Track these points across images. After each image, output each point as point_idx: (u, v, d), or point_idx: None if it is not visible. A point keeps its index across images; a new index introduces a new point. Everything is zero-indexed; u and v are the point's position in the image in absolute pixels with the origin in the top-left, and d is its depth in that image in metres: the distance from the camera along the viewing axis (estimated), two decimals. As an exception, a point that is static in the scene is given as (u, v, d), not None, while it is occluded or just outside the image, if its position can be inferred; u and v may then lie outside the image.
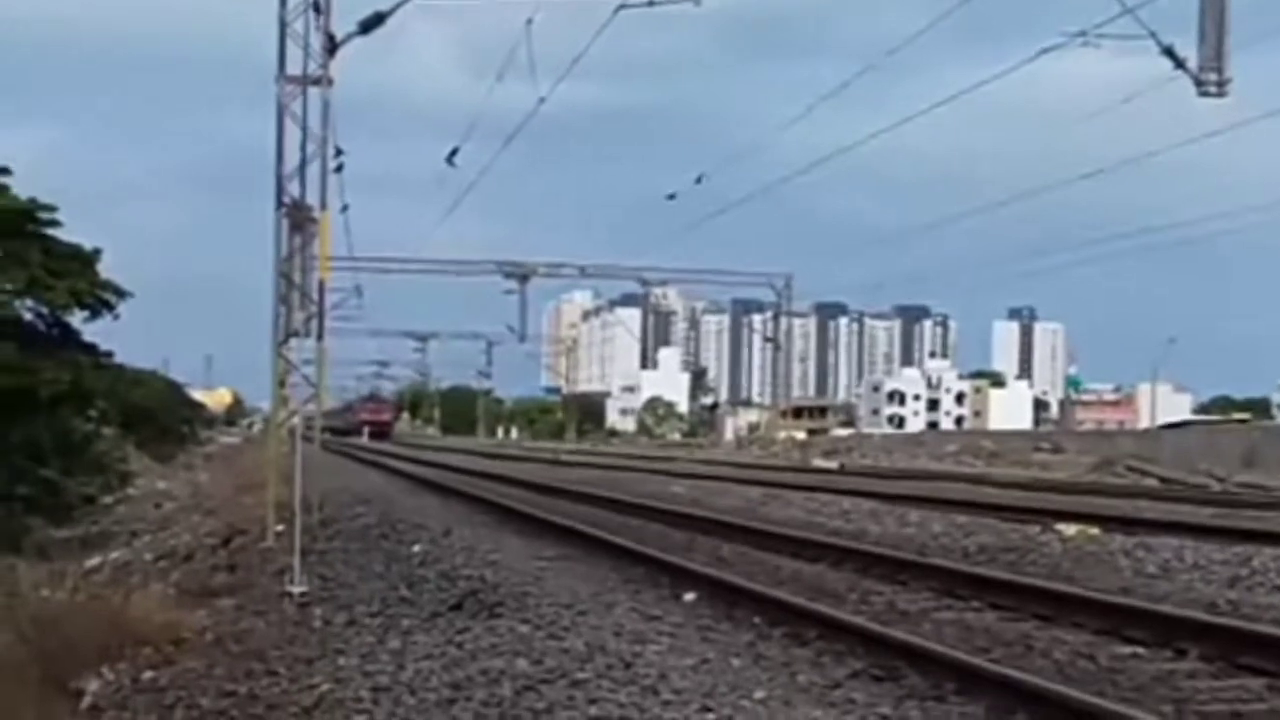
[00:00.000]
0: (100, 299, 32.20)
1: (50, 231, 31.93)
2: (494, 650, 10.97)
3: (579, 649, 10.74)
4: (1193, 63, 24.44)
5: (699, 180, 50.00)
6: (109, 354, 35.77)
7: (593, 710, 8.79)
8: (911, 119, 35.36)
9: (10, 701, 11.35)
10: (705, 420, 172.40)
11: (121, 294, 32.62)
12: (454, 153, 38.16)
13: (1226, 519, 23.52)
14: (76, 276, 31.62)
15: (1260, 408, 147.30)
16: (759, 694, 9.22)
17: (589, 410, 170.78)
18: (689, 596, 13.83)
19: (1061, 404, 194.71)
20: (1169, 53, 24.36)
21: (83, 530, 30.24)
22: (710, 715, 8.57)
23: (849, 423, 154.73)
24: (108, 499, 38.09)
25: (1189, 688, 9.52)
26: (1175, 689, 9.47)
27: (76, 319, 32.83)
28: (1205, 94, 24.48)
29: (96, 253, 32.51)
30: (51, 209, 31.93)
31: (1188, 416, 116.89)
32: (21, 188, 32.23)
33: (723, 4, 25.22)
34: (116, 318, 32.79)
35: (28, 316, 31.99)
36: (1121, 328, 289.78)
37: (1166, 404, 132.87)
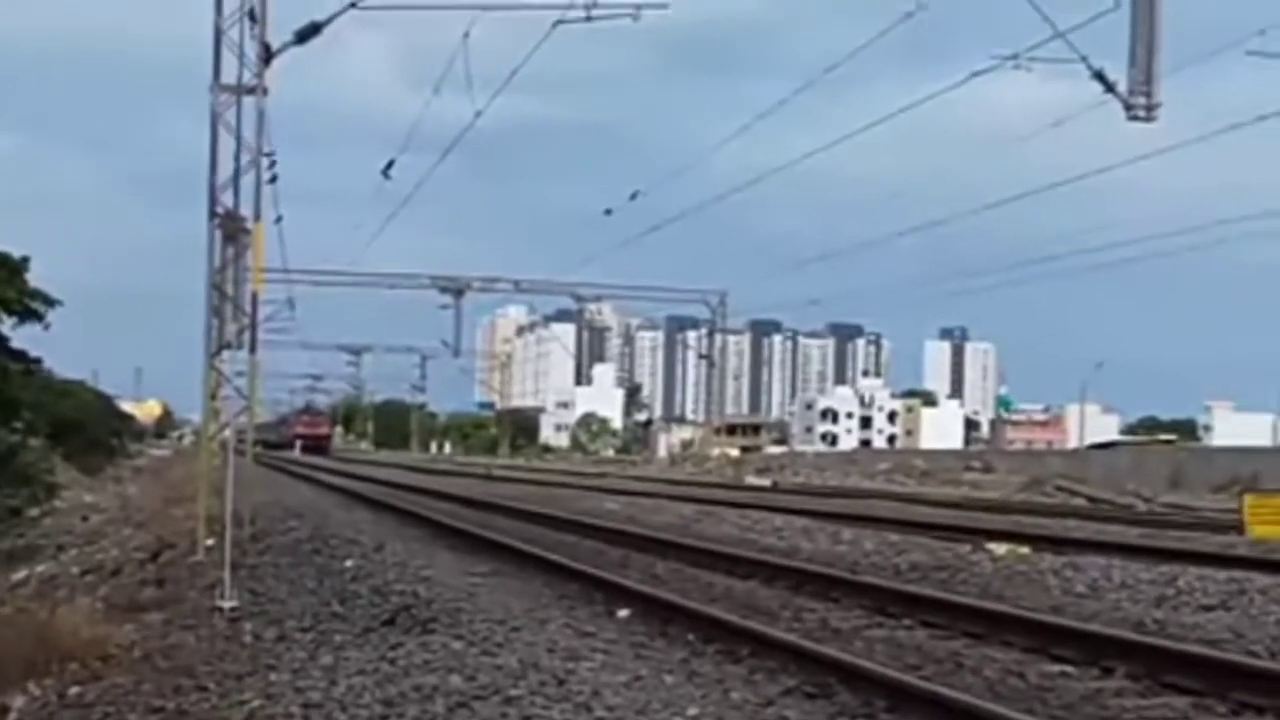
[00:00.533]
0: (29, 307, 31.85)
1: (-23, 239, 31.58)
2: (427, 666, 10.92)
3: (512, 665, 10.72)
4: (1123, 87, 24.76)
5: (634, 196, 50.13)
6: (37, 361, 35.39)
7: (526, 727, 8.77)
8: (847, 139, 35.62)
9: (-67, 717, 11.21)
10: (639, 437, 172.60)
11: (51, 303, 32.29)
12: (390, 165, 38.05)
13: (1153, 539, 23.79)
14: (4, 284, 31.27)
15: (1186, 429, 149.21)
16: (692, 711, 9.23)
17: (523, 426, 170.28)
18: (623, 613, 13.83)
19: (992, 423, 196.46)
20: (1099, 77, 24.66)
21: (8, 543, 29.81)
22: (644, 732, 8.57)
23: (782, 440, 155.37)
24: (34, 511, 37.55)
25: (1116, 706, 9.62)
26: (1103, 707, 9.57)
27: (4, 327, 32.44)
28: (1135, 118, 24.80)
29: (25, 260, 32.16)
30: (-22, 215, 31.60)
31: (1115, 437, 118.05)
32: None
33: (662, 20, 25.21)
34: (46, 327, 32.45)
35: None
36: (1051, 349, 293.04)
37: (1095, 425, 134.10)
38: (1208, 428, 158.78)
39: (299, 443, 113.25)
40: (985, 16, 26.74)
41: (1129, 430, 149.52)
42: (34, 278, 32.30)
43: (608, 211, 50.52)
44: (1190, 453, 68.32)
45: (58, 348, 46.00)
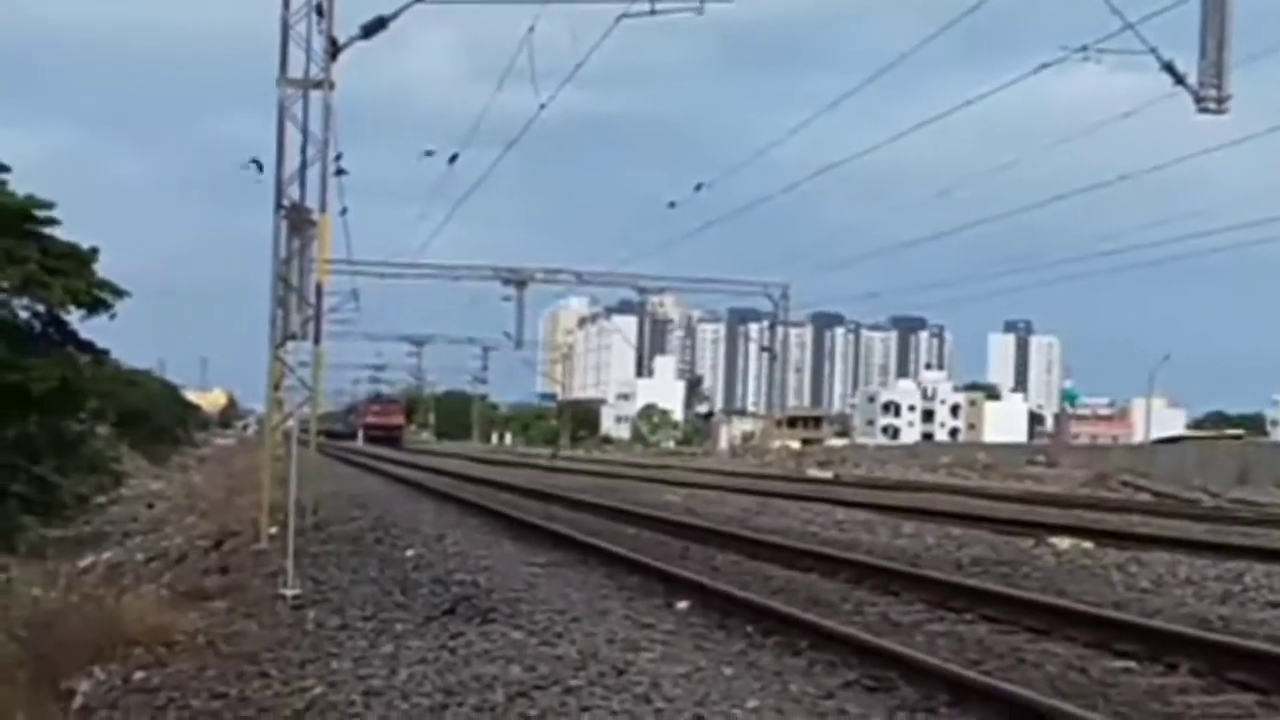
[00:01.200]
0: (97, 298, 32.15)
1: (48, 230, 31.90)
2: (487, 656, 10.97)
3: (572, 656, 10.75)
4: (1193, 78, 24.49)
5: (699, 188, 50.09)
6: (105, 352, 35.76)
7: (586, 717, 8.81)
8: (911, 132, 35.39)
9: (2, 701, 11.35)
10: (700, 429, 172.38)
11: (119, 293, 32.58)
12: (454, 158, 38.30)
13: (1219, 535, 23.56)
14: (73, 275, 31.57)
15: (1254, 424, 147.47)
16: (751, 703, 9.23)
17: (584, 417, 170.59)
18: (682, 605, 13.83)
19: (1056, 417, 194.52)
20: (1169, 68, 24.40)
21: (75, 530, 30.24)
22: (703, 724, 8.57)
23: (843, 433, 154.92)
24: (101, 499, 38.06)
25: (1180, 703, 9.54)
26: (1167, 704, 9.49)
27: (73, 318, 32.79)
28: (1205, 110, 24.53)
29: (94, 252, 32.47)
30: (49, 206, 31.92)
31: (1182, 432, 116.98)
32: (26, 186, 32.29)
33: (724, 14, 25.15)
34: (113, 317, 32.77)
35: (24, 315, 31.96)
36: (1117, 342, 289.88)
37: (1160, 419, 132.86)
38: (1276, 422, 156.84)
39: (367, 433, 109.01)
40: (1050, 9, 26.56)
41: (1196, 425, 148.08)
42: (102, 269, 32.65)
43: (671, 204, 50.56)
44: (1258, 448, 67.48)
45: (126, 338, 46.58)
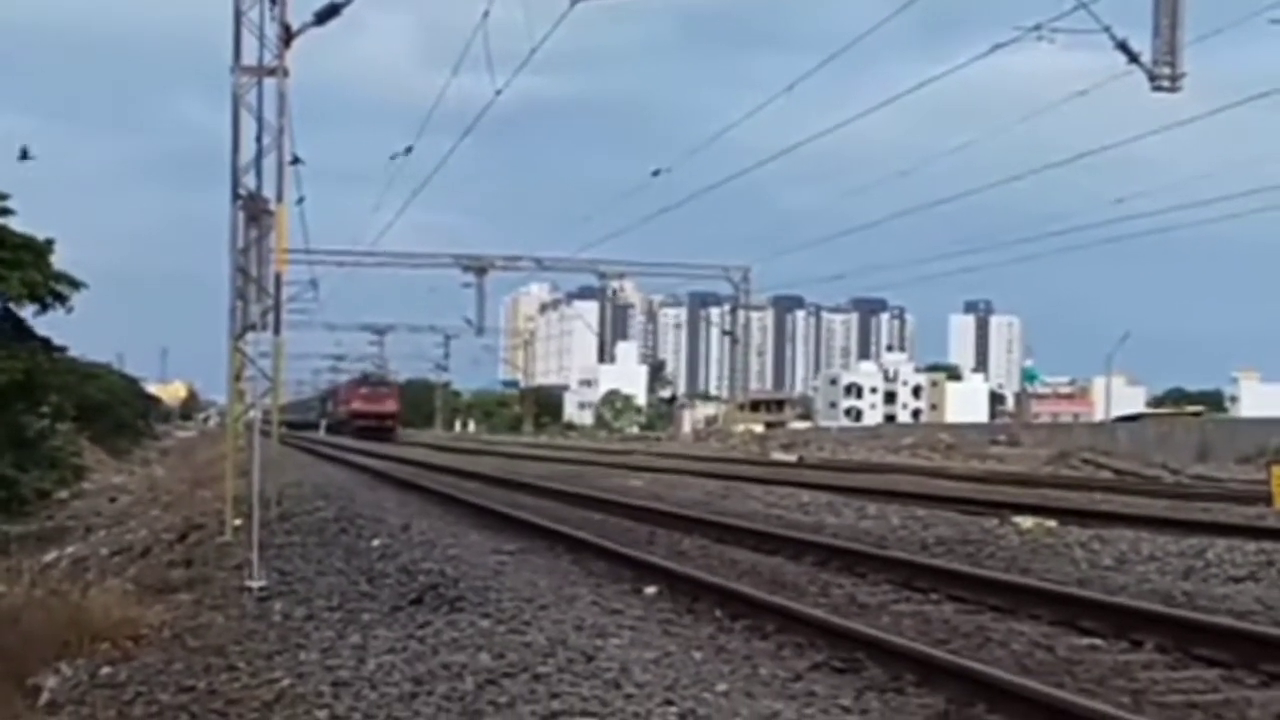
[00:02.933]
0: (53, 291, 31.89)
1: (2, 221, 31.63)
2: (455, 644, 10.96)
3: (540, 643, 10.75)
4: (1147, 57, 24.63)
5: (656, 174, 50.07)
6: (61, 348, 35.49)
7: (555, 704, 8.80)
8: (869, 113, 35.49)
9: (-33, 698, 11.29)
10: (663, 414, 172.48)
11: (76, 285, 32.32)
12: (409, 149, 38.17)
13: (1180, 511, 23.72)
14: (29, 268, 31.32)
15: (1213, 400, 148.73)
16: (721, 687, 9.26)
17: (547, 403, 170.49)
18: (650, 590, 13.86)
19: (1017, 397, 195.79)
20: (1123, 47, 24.57)
21: (38, 525, 30.04)
22: (673, 709, 8.59)
23: (806, 416, 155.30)
24: (63, 494, 37.83)
25: (1146, 679, 9.62)
26: (1132, 680, 9.56)
27: (28, 312, 32.52)
28: (1159, 88, 24.70)
29: (49, 244, 32.20)
30: (3, 197, 31.65)
31: (1142, 409, 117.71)
32: (-21, 177, 31.97)
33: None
34: (70, 310, 32.51)
35: (-21, 309, 31.71)
36: (1076, 321, 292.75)
37: (1121, 397, 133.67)
38: (1234, 399, 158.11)
39: (355, 423, 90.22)
40: (1006, -12, 26.61)
41: (1155, 402, 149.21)
42: (58, 260, 32.36)
43: (656, 172, 50.80)
44: (1217, 424, 68.10)
45: (83, 331, 46.23)
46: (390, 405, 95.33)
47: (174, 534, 23.47)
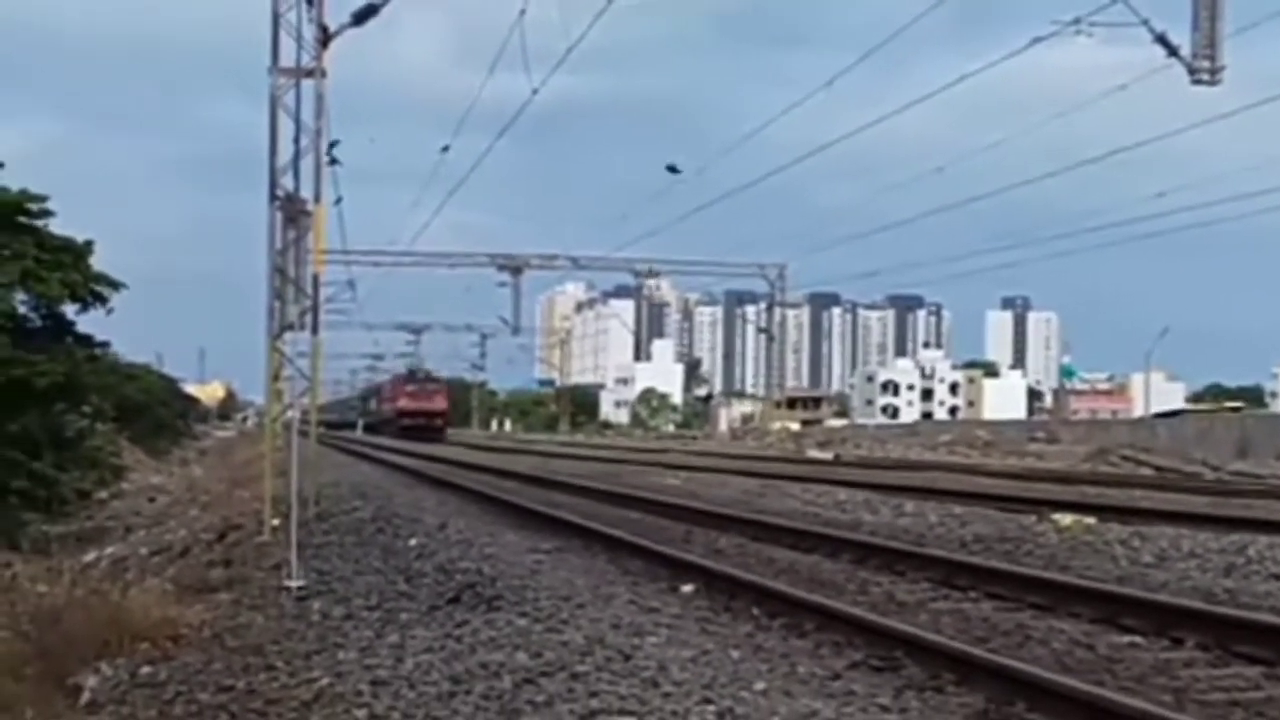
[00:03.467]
0: (93, 291, 32.09)
1: (43, 224, 31.83)
2: (493, 643, 10.97)
3: (578, 642, 10.75)
4: (1186, 50, 24.46)
5: (672, 169, 49.59)
6: (104, 344, 35.71)
7: (593, 703, 8.80)
8: (906, 109, 35.38)
9: (9, 697, 11.35)
10: (700, 412, 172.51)
11: (115, 286, 32.50)
12: (446, 148, 38.34)
13: (1221, 508, 23.57)
14: (69, 269, 31.51)
15: (1253, 396, 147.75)
16: (759, 685, 9.24)
17: (583, 402, 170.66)
18: (687, 588, 13.84)
19: (1056, 393, 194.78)
20: (1162, 40, 24.42)
21: (78, 525, 30.25)
22: (711, 707, 8.58)
23: (843, 413, 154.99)
24: (102, 494, 38.09)
25: (1187, 676, 9.55)
26: (1173, 678, 9.50)
27: (69, 311, 32.71)
28: (1199, 82, 24.55)
29: (89, 245, 32.41)
30: (43, 199, 31.84)
31: (1181, 405, 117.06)
32: (18, 181, 32.16)
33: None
34: (110, 311, 32.71)
35: (20, 309, 31.88)
36: (1115, 316, 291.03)
37: (1160, 393, 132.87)
38: (1275, 394, 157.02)
39: (401, 423, 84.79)
40: (1043, -17, 26.50)
41: (1195, 398, 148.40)
42: (97, 261, 32.56)
43: (671, 168, 50.23)
44: (1257, 420, 67.52)
45: (122, 332, 46.50)
46: (439, 403, 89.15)
47: (213, 534, 23.60)
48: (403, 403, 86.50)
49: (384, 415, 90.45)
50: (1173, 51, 24.35)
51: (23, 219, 31.41)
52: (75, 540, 26.04)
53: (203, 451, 73.30)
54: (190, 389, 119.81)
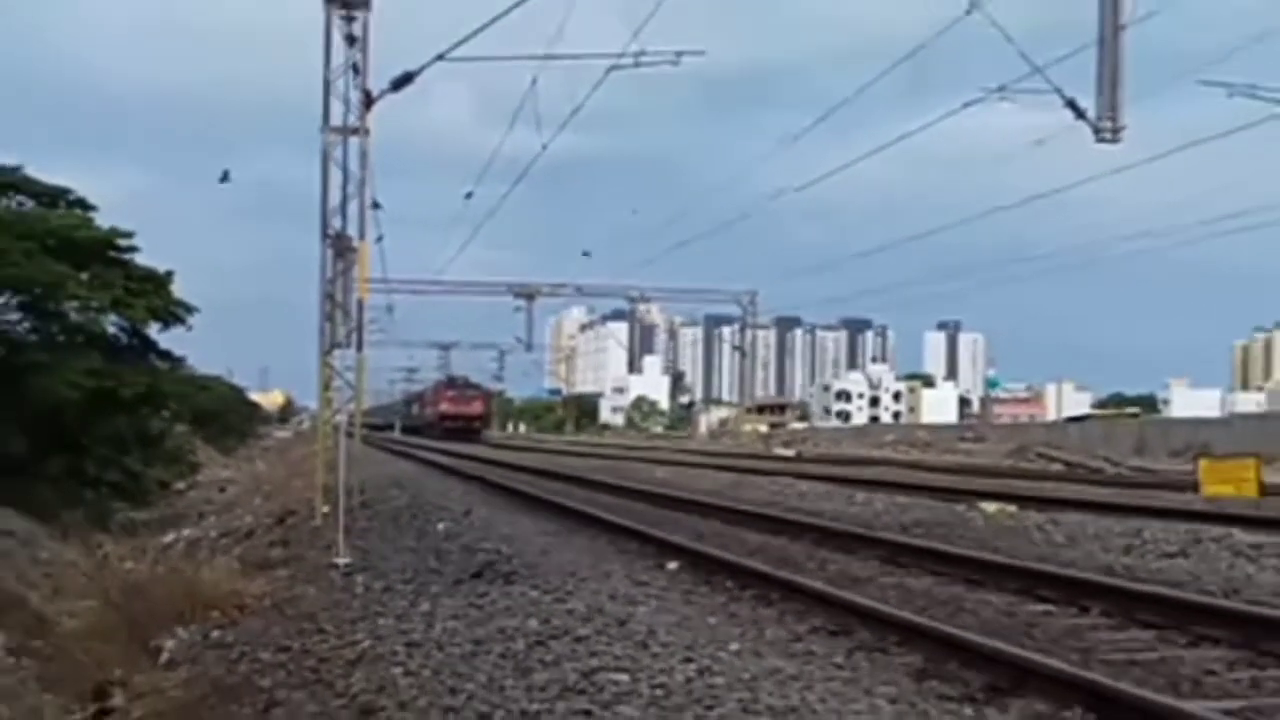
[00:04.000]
0: (173, 314, 32.08)
1: (129, 257, 31.81)
2: (509, 612, 10.95)
3: (581, 610, 10.74)
4: (1092, 113, 24.51)
5: (635, 213, 47.56)
6: (181, 359, 35.63)
7: (593, 662, 8.78)
8: (860, 160, 35.40)
9: (101, 657, 11.32)
10: (683, 416, 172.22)
11: (190, 310, 32.44)
12: (470, 194, 38.30)
13: (1121, 497, 23.62)
14: (152, 295, 31.49)
15: (1148, 403, 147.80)
16: (733, 646, 9.23)
17: (585, 408, 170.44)
18: (672, 565, 13.84)
19: (982, 401, 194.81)
20: (1071, 105, 24.42)
21: (159, 512, 30.10)
22: (692, 665, 8.56)
23: (804, 418, 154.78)
24: (180, 485, 38.00)
25: (1093, 639, 9.56)
26: (1082, 640, 9.51)
27: (152, 330, 32.67)
28: (1102, 140, 24.55)
29: (169, 275, 32.36)
30: (129, 235, 31.78)
31: (1088, 411, 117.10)
32: (110, 221, 32.21)
33: (701, 64, 25.19)
34: (188, 329, 32.67)
35: (111, 330, 31.85)
36: (1032, 336, 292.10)
37: (1070, 400, 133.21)
38: (1166, 402, 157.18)
39: (443, 425, 79.31)
40: (972, 56, 26.50)
41: (1099, 405, 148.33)
42: (175, 289, 32.53)
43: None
44: (1152, 423, 67.64)
45: (198, 349, 46.37)
46: (478, 407, 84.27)
47: (273, 519, 23.53)
48: (444, 406, 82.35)
49: (426, 418, 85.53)
50: (1080, 114, 24.36)
51: (112, 253, 31.39)
52: (157, 524, 25.94)
53: (265, 450, 72.98)
54: (254, 397, 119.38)
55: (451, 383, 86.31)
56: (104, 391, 28.80)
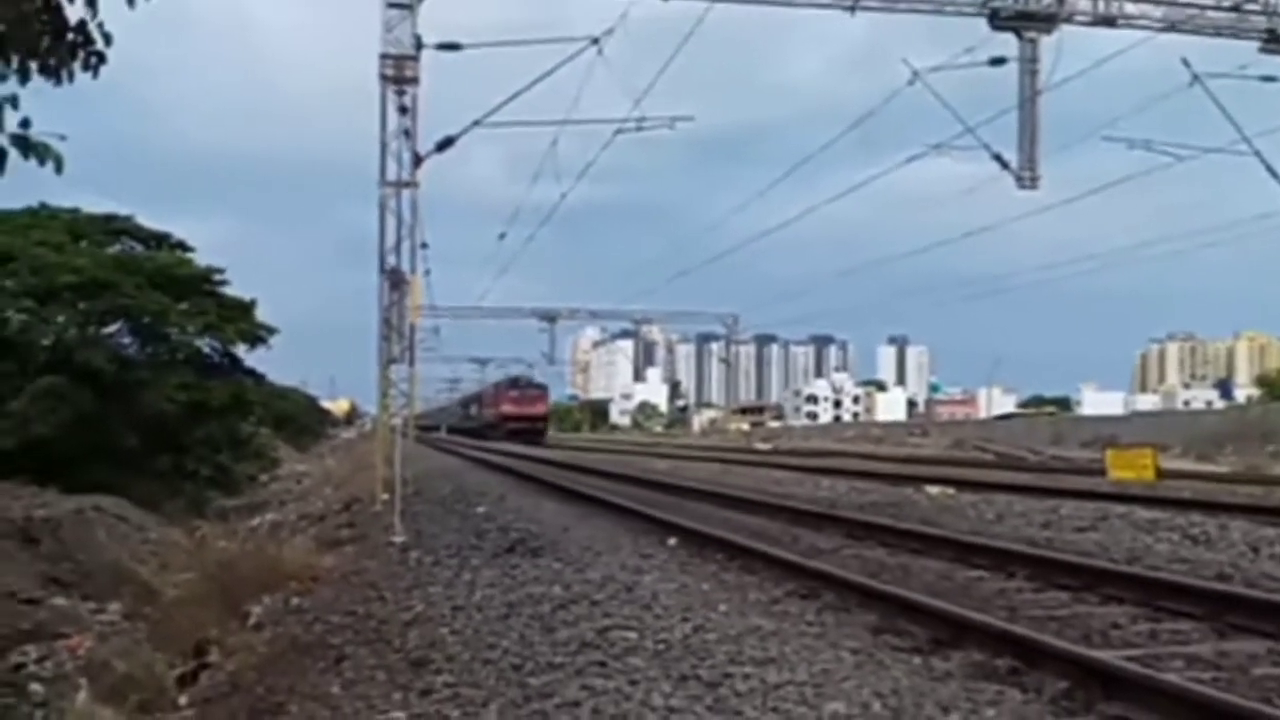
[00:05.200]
0: (258, 335, 32.12)
1: (221, 289, 31.88)
2: (537, 580, 10.96)
3: (596, 579, 10.74)
4: (1015, 165, 24.57)
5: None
6: (262, 376, 35.67)
7: (606, 621, 8.79)
8: (822, 205, 35.43)
9: (200, 620, 11.33)
10: (679, 418, 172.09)
11: (272, 331, 32.51)
12: (503, 235, 38.37)
13: (1041, 481, 23.59)
14: (240, 320, 31.54)
15: (1063, 403, 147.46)
16: (722, 608, 9.23)
17: (598, 411, 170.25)
18: (672, 541, 13.82)
19: (926, 402, 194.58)
20: (997, 158, 24.49)
21: (247, 500, 30.13)
22: (689, 623, 8.57)
23: (779, 417, 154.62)
24: (264, 478, 38.00)
25: (1018, 599, 9.56)
26: (1009, 600, 9.50)
27: (241, 350, 32.71)
28: (1023, 186, 24.63)
29: (253, 302, 32.44)
30: (221, 271, 31.90)
31: (1013, 410, 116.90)
32: (205, 260, 32.41)
33: (692, 128, 25.40)
34: (269, 348, 32.73)
35: (206, 350, 31.91)
36: (967, 348, 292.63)
37: (998, 402, 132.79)
38: (1079, 402, 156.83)
39: (506, 427, 65.28)
40: (915, 117, 26.59)
41: (1023, 405, 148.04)
42: (259, 314, 32.62)
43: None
44: (1067, 420, 67.59)
45: (279, 364, 46.37)
46: (541, 408, 68.96)
47: (341, 505, 23.53)
48: (506, 408, 67.85)
49: (486, 419, 71.14)
50: (1004, 165, 24.42)
51: (206, 286, 31.48)
52: (245, 510, 25.97)
53: (334, 448, 72.89)
54: (325, 404, 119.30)
55: (514, 383, 71.17)
56: (194, 401, 28.90)
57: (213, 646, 10.62)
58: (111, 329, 29.95)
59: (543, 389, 71.86)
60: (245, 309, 32.02)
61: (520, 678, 7.28)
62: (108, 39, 5.12)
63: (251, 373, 33.44)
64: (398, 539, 15.40)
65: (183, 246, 32.74)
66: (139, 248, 32.23)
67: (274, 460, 43.26)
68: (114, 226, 31.97)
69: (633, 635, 8.22)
